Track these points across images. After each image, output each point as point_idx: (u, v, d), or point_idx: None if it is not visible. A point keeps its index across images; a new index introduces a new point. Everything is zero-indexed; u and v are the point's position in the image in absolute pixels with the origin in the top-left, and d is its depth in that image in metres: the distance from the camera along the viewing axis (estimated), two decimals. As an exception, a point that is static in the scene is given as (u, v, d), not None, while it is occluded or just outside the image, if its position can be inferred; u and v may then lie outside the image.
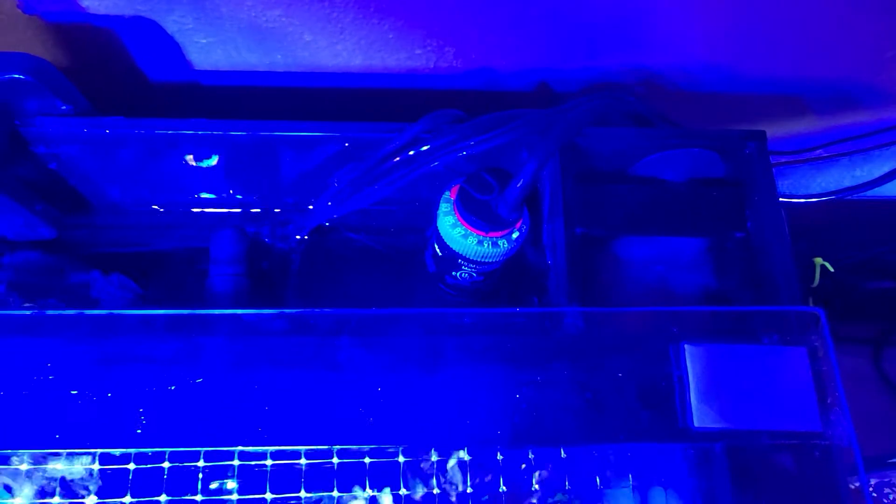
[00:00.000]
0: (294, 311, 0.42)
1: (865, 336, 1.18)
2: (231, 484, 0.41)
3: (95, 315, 0.40)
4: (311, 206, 0.58)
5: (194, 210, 0.59)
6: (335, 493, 0.41)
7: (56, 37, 0.57)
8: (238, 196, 0.58)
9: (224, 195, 0.58)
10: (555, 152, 0.51)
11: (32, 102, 0.47)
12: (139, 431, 0.39)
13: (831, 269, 0.86)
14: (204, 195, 0.58)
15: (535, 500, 0.42)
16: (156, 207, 0.59)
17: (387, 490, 0.41)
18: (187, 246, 0.60)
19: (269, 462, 0.41)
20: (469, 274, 0.55)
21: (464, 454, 0.43)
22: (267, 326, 0.41)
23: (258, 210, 0.59)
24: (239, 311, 0.41)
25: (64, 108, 0.48)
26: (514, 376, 0.42)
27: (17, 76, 0.45)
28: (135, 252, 0.59)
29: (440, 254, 0.54)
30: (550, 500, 0.42)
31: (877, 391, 1.16)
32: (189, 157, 0.53)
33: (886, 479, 0.67)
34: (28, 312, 0.40)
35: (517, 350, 0.43)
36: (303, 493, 0.40)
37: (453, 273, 0.55)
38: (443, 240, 0.52)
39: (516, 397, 0.42)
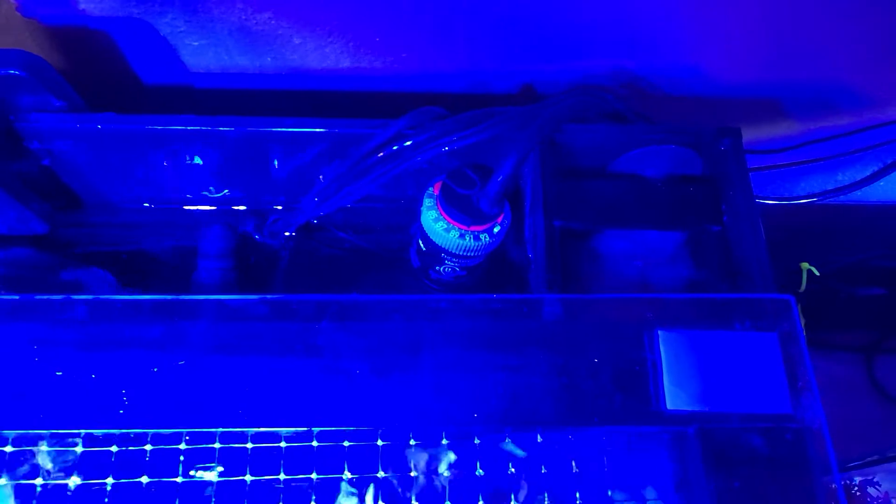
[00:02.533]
0: (275, 296, 0.43)
1: (857, 344, 1.18)
2: (212, 469, 0.41)
3: (81, 300, 0.41)
4: (298, 203, 0.59)
5: (185, 207, 0.60)
6: (314, 476, 0.41)
7: (53, 39, 0.59)
8: (228, 193, 0.60)
9: (214, 192, 0.59)
10: (534, 147, 0.52)
11: (27, 98, 0.49)
12: (122, 412, 0.40)
13: (817, 273, 0.87)
14: (194, 192, 0.59)
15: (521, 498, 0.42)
16: (147, 205, 0.60)
17: (370, 484, 0.42)
18: (177, 244, 0.61)
19: (249, 445, 0.42)
20: (452, 268, 0.56)
21: (443, 440, 0.44)
22: (249, 312, 0.42)
23: (247, 207, 0.60)
24: (222, 297, 0.42)
25: (58, 104, 0.50)
26: (491, 361, 0.43)
27: (12, 72, 0.46)
28: (125, 249, 0.61)
29: (424, 248, 0.55)
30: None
31: (869, 399, 1.17)
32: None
33: (870, 477, 0.67)
34: (16, 297, 0.41)
35: (494, 336, 0.44)
36: (282, 476, 0.41)
37: (437, 268, 0.56)
38: (426, 234, 0.53)
39: (493, 382, 0.42)
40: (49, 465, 0.40)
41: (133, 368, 0.41)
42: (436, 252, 0.54)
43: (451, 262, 0.55)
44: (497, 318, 0.44)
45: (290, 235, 0.61)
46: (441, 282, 0.58)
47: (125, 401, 0.40)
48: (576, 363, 0.43)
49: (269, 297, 0.43)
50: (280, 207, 0.60)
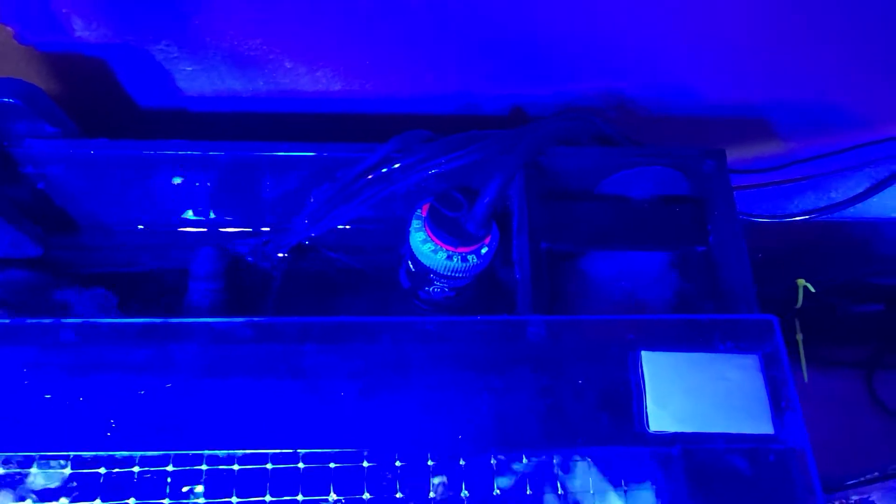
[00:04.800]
0: (260, 319, 0.43)
1: (856, 360, 1.18)
2: (199, 488, 0.41)
3: (70, 323, 0.42)
4: (289, 225, 0.60)
5: (178, 230, 0.61)
6: (300, 498, 0.41)
7: (50, 66, 0.60)
8: (220, 216, 0.60)
9: (206, 215, 0.60)
10: (519, 170, 0.53)
11: (22, 125, 0.50)
12: (110, 435, 0.40)
13: (813, 290, 0.87)
14: (187, 215, 0.60)
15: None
16: (141, 227, 0.61)
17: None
18: (171, 266, 0.61)
19: (236, 467, 0.42)
20: (441, 289, 0.56)
21: (428, 461, 0.44)
22: (236, 335, 0.43)
23: (240, 229, 0.61)
24: (209, 320, 0.43)
25: (52, 130, 0.51)
26: (477, 382, 0.43)
27: (7, 100, 0.47)
28: (119, 271, 0.61)
29: (413, 269, 0.56)
30: None
31: (869, 414, 1.16)
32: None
33: (866, 496, 0.67)
34: (6, 321, 0.42)
35: (480, 357, 0.44)
36: (268, 497, 0.41)
37: (426, 288, 0.57)
38: (415, 255, 0.54)
39: (479, 403, 0.43)
40: (38, 488, 0.41)
41: (121, 391, 0.41)
42: (424, 273, 0.55)
43: (440, 282, 0.55)
44: (483, 339, 0.45)
45: (282, 257, 0.61)
46: (431, 302, 0.59)
47: (113, 423, 0.40)
48: (560, 384, 0.43)
49: (254, 319, 0.43)
50: (271, 229, 0.61)
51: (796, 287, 0.93)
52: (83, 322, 0.42)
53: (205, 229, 0.61)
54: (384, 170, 0.52)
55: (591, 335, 0.45)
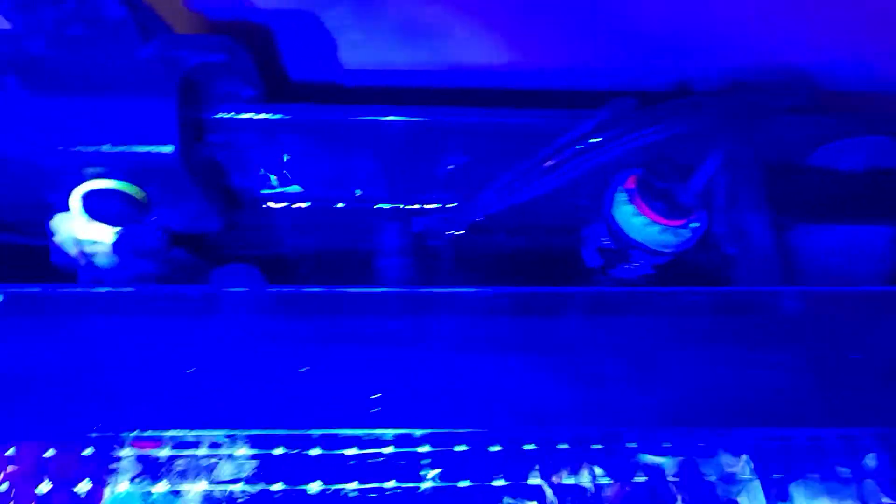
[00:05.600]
0: (515, 288, 0.40)
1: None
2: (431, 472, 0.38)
3: (313, 291, 0.39)
4: (469, 201, 0.56)
5: (349, 208, 0.57)
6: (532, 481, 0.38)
7: (211, 31, 0.57)
8: (391, 192, 0.57)
9: (379, 191, 0.57)
10: (740, 141, 0.50)
11: (221, 85, 0.47)
12: (367, 413, 0.37)
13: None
14: (358, 191, 0.57)
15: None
16: (307, 205, 0.57)
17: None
18: (341, 248, 0.58)
19: (497, 448, 0.39)
20: (641, 266, 0.53)
21: (665, 444, 0.41)
22: (488, 306, 0.40)
23: (413, 206, 0.58)
24: (464, 289, 0.39)
25: (249, 93, 0.48)
26: (742, 358, 0.40)
27: (217, 56, 0.44)
28: (285, 252, 0.58)
29: (612, 246, 0.53)
30: None
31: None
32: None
33: None
34: (245, 290, 0.39)
35: (735, 332, 0.41)
36: (499, 482, 0.38)
37: (624, 266, 0.54)
38: (620, 229, 0.51)
39: (744, 381, 0.40)
40: (286, 467, 0.37)
41: (371, 367, 0.38)
42: (628, 248, 0.52)
43: (643, 259, 0.52)
44: (739, 313, 0.42)
45: (454, 236, 0.58)
46: (624, 281, 0.56)
47: (376, 401, 0.37)
48: (832, 361, 0.40)
49: (508, 289, 0.40)
50: (446, 207, 0.58)
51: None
52: (326, 290, 0.39)
53: (377, 206, 0.57)
54: (596, 139, 0.49)
55: (854, 307, 0.42)
